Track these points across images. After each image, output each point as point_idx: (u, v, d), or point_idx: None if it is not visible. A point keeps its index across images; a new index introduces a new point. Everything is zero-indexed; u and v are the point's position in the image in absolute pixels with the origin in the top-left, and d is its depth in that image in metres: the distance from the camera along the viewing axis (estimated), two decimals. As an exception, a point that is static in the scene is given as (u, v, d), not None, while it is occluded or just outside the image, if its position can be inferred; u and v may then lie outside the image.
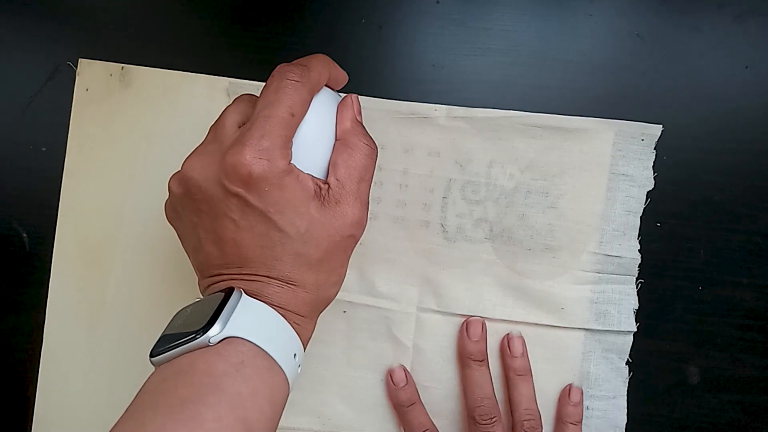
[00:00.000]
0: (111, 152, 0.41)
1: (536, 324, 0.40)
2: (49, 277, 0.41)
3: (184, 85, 0.41)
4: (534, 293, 0.40)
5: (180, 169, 0.30)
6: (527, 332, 0.41)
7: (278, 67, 0.30)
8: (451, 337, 0.41)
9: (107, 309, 0.41)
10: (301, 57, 0.41)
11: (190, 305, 0.30)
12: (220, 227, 0.29)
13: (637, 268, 0.40)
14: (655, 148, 0.40)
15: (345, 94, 0.33)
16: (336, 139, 0.31)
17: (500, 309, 0.40)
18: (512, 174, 0.40)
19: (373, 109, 0.40)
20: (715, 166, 0.41)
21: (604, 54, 0.41)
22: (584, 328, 0.40)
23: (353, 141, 0.31)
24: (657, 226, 0.41)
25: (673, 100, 0.41)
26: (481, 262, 0.40)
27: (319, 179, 0.30)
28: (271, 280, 0.29)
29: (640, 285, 0.40)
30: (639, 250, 0.40)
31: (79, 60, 0.41)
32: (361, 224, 0.30)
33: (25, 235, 0.42)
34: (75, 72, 0.41)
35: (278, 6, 0.41)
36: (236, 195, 0.28)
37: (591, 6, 0.41)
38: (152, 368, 0.41)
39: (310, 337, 0.31)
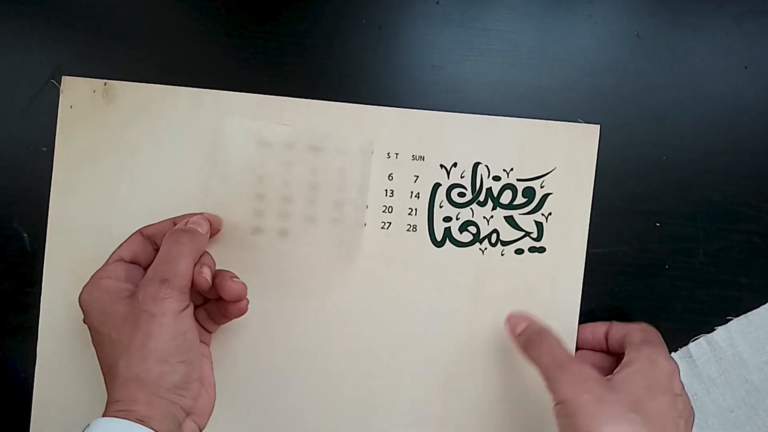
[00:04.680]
0: (97, 168, 0.41)
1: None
2: (41, 293, 0.41)
3: (168, 99, 0.41)
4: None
5: None
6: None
7: None
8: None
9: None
10: (300, 57, 0.41)
11: None
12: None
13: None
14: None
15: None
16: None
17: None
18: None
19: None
20: (715, 166, 0.41)
21: (604, 54, 0.41)
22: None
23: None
24: (657, 226, 0.41)
25: (672, 100, 0.41)
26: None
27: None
28: (114, 388, 0.33)
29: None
30: (637, 249, 0.40)
31: (63, 77, 0.41)
32: (154, 300, 0.33)
33: (25, 235, 0.42)
34: (59, 89, 0.41)
35: (278, 7, 0.41)
36: (84, 322, 0.36)
37: (591, 6, 0.41)
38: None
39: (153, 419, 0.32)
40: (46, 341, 0.41)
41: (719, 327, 0.40)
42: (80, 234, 0.41)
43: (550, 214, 0.40)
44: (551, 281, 0.40)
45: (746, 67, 0.41)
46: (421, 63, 0.41)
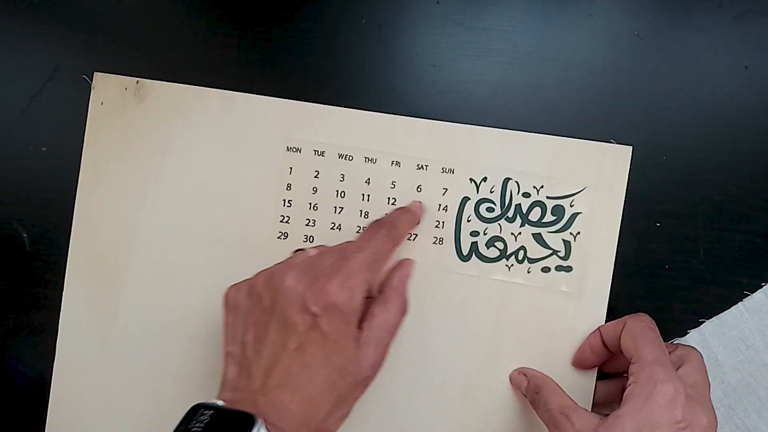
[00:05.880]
0: (125, 166, 0.41)
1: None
2: (60, 281, 0.41)
3: (199, 100, 0.41)
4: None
5: (271, 274, 0.33)
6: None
7: (372, 223, 0.37)
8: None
9: (120, 324, 0.41)
10: (300, 57, 0.41)
11: (209, 411, 0.30)
12: (283, 336, 0.31)
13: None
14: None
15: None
16: (380, 291, 0.36)
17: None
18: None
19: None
20: (715, 166, 0.41)
21: (604, 54, 0.41)
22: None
23: (394, 298, 0.36)
24: (657, 226, 0.41)
25: (672, 100, 0.41)
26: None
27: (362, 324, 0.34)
28: (293, 401, 0.30)
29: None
30: (637, 249, 0.40)
31: (95, 74, 0.41)
32: (377, 367, 0.34)
33: (25, 235, 0.42)
34: (80, 74, 0.41)
35: (277, 7, 0.41)
36: (312, 314, 0.31)
37: (591, 6, 0.41)
38: (164, 385, 0.40)
39: None
40: (65, 340, 0.41)
41: (692, 330, 0.40)
42: (105, 232, 0.41)
43: (578, 233, 0.40)
44: (576, 301, 0.40)
45: (746, 67, 0.41)
46: (421, 63, 0.41)
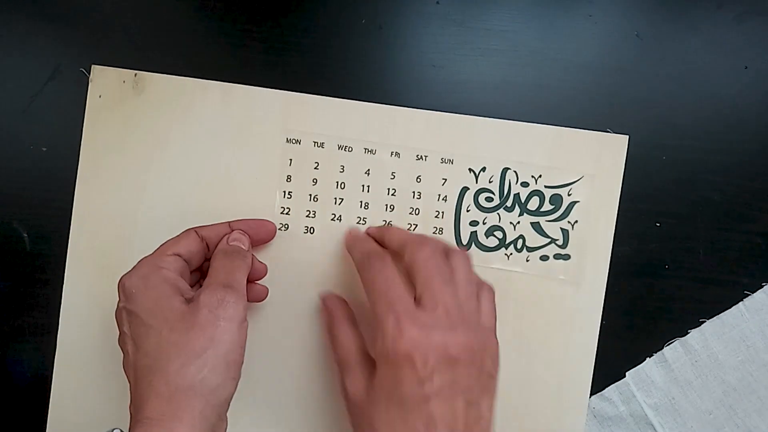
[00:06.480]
0: (124, 159, 0.41)
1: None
2: (61, 281, 0.41)
3: (198, 92, 0.41)
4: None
5: None
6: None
7: None
8: None
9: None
10: (299, 58, 0.41)
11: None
12: (122, 343, 0.33)
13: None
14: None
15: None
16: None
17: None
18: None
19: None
20: (715, 166, 0.41)
21: (604, 54, 0.41)
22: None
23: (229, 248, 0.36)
24: (657, 226, 0.41)
25: (672, 100, 0.41)
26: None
27: (189, 278, 0.36)
28: (143, 391, 0.31)
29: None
30: (637, 249, 0.40)
31: (92, 66, 0.41)
32: (221, 303, 0.32)
33: (25, 235, 0.42)
34: (81, 74, 0.41)
35: (276, 6, 0.41)
36: (123, 308, 0.33)
37: (591, 6, 0.41)
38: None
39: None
40: (66, 339, 0.41)
41: (693, 330, 0.41)
42: (105, 225, 0.41)
43: (576, 222, 0.40)
44: (575, 289, 0.40)
45: (746, 67, 0.41)
46: (421, 63, 0.41)
